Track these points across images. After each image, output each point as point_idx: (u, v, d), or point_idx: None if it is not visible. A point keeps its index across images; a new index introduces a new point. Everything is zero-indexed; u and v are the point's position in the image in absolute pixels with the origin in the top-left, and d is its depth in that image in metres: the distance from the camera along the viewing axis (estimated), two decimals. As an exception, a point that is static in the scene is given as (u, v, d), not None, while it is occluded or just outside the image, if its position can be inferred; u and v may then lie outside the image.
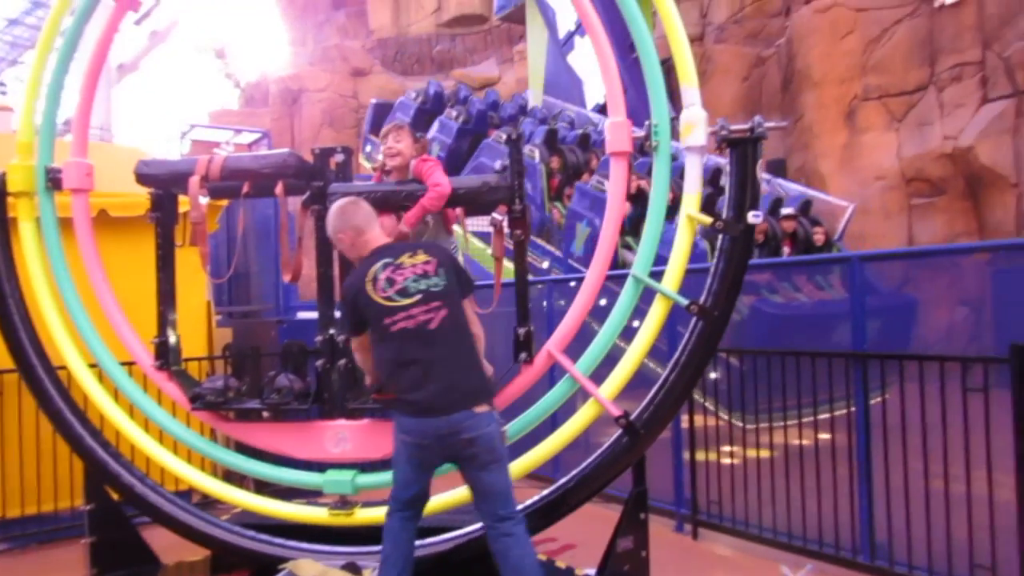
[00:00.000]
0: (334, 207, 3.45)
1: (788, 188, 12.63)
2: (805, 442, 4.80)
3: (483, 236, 8.47)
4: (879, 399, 4.43)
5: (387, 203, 3.74)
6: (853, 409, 4.47)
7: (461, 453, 3.11)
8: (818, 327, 6.79)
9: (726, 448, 5.22)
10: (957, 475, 3.94)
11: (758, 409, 4.96)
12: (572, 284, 6.61)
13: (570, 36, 20.15)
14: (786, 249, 9.81)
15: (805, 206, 11.17)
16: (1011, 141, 13.50)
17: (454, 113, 16.12)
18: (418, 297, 3.16)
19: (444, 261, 3.27)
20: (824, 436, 4.62)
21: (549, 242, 11.69)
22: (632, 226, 10.28)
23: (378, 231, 3.39)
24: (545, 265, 11.31)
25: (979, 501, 3.86)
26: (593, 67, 19.28)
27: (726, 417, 5.23)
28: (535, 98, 19.36)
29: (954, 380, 3.96)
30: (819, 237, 9.82)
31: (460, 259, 4.03)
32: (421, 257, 3.25)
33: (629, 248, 10.26)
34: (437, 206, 3.68)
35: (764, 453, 4.99)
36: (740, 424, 5.14)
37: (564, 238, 11.23)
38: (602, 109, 18.99)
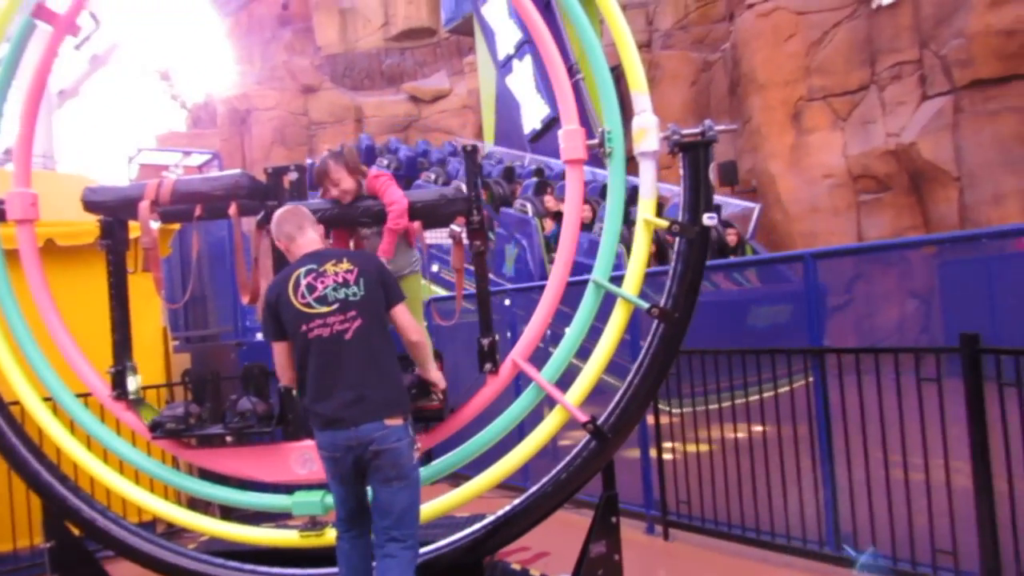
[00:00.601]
0: (274, 215, 3.47)
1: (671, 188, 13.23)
2: (767, 436, 4.87)
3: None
4: (801, 383, 4.56)
5: (344, 221, 3.73)
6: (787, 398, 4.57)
7: (369, 465, 3.11)
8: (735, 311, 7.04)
9: (691, 448, 5.28)
10: (916, 464, 4.05)
11: (721, 406, 5.04)
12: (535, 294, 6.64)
13: (508, 59, 20.30)
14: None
15: (716, 210, 11.59)
16: (951, 137, 13.92)
17: (385, 162, 17.35)
18: (336, 306, 3.17)
19: (366, 270, 3.25)
20: (785, 430, 4.70)
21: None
22: (557, 243, 10.59)
23: (309, 237, 3.36)
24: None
25: (938, 488, 3.96)
26: (529, 91, 19.51)
27: (683, 412, 5.29)
28: (488, 135, 19.67)
29: (908, 371, 4.07)
30: (732, 238, 10.28)
31: (419, 281, 4.00)
32: (344, 265, 3.24)
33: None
34: (401, 224, 3.65)
35: (728, 450, 5.06)
36: (703, 422, 5.21)
37: (495, 261, 11.42)
38: (537, 135, 19.32)
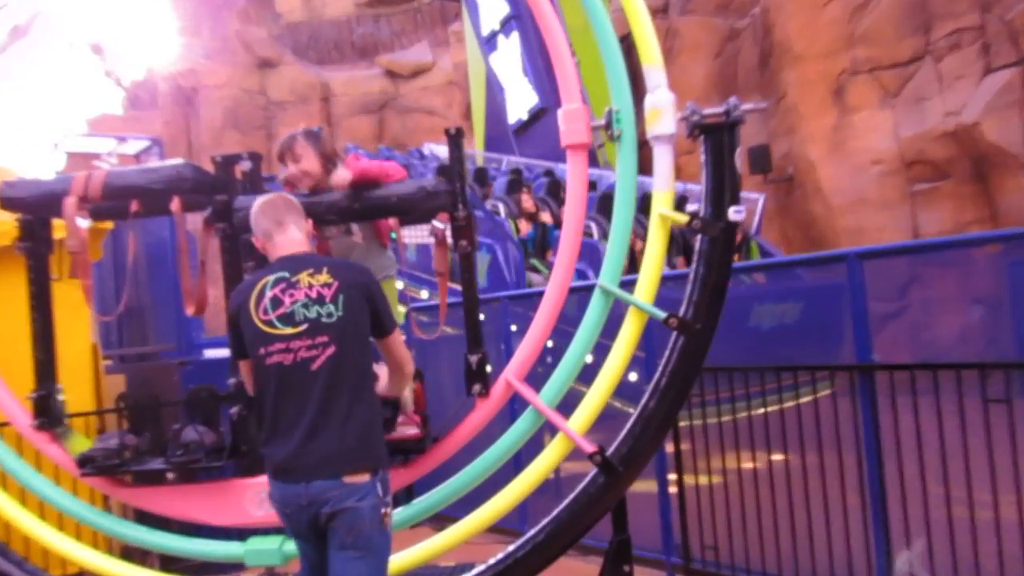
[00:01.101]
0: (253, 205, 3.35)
1: (694, 187, 13.25)
2: (807, 466, 4.87)
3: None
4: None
5: (308, 217, 3.73)
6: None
7: (325, 528, 2.97)
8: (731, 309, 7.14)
9: (718, 480, 5.28)
10: (983, 500, 4.05)
11: (752, 431, 5.04)
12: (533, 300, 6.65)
13: (494, 35, 20.43)
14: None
15: (680, 202, 11.77)
16: (1020, 115, 13.96)
17: None
18: (303, 327, 3.00)
19: (350, 287, 3.08)
20: (829, 458, 4.70)
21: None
22: (536, 248, 11.32)
23: (291, 236, 3.22)
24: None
25: (1009, 528, 3.96)
26: (515, 75, 19.58)
27: (707, 438, 5.30)
28: (477, 119, 19.80)
29: (973, 391, 4.07)
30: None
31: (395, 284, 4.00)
32: (322, 277, 3.07)
33: (535, 270, 10.96)
34: (371, 171, 3.67)
35: (761, 482, 5.06)
36: (730, 447, 5.21)
37: None
38: (523, 127, 19.44)
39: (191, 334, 8.47)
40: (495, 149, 20.92)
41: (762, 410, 5.00)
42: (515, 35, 19.44)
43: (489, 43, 20.72)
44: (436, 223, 3.78)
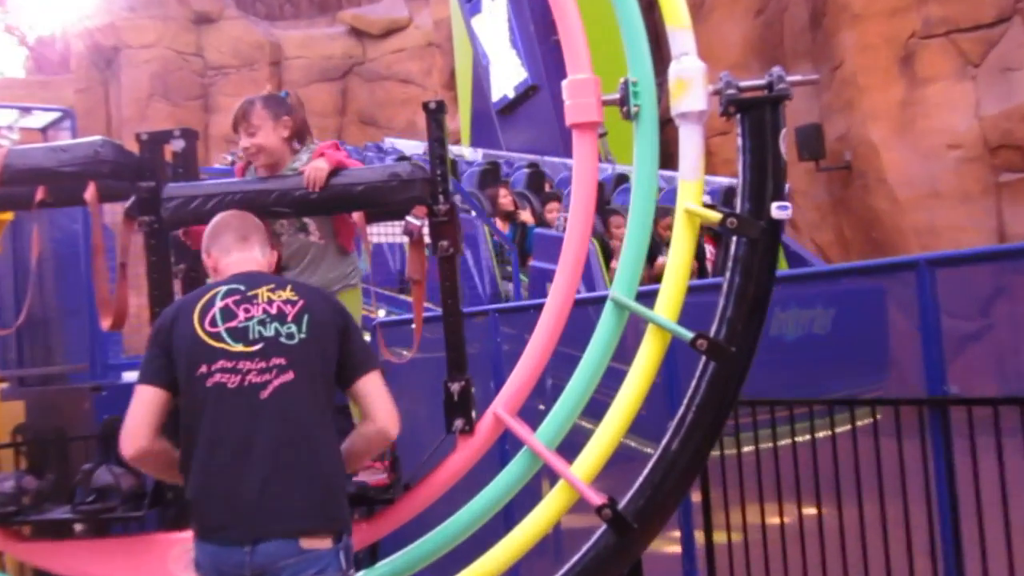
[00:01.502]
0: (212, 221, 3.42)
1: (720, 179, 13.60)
2: (865, 517, 4.86)
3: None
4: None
5: (253, 207, 3.72)
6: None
7: None
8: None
9: (755, 535, 5.27)
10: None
11: (798, 479, 5.04)
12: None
13: None
14: (709, 248, 10.32)
15: (728, 195, 11.75)
16: None
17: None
18: (258, 346, 2.98)
19: (315, 308, 3.10)
20: (892, 507, 4.69)
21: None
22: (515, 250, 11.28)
23: (253, 255, 3.28)
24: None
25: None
26: (501, 44, 19.66)
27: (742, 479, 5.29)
28: (463, 89, 19.94)
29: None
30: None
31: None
32: (285, 294, 3.09)
33: (508, 279, 11.03)
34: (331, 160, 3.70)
35: (809, 535, 5.05)
36: (769, 492, 5.21)
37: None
38: (508, 107, 19.53)
39: (107, 352, 8.46)
40: (479, 130, 21.05)
41: (796, 440, 5.01)
42: (504, -5, 19.52)
43: (471, 2, 20.80)
44: (411, 218, 3.79)
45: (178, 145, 3.95)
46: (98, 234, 3.96)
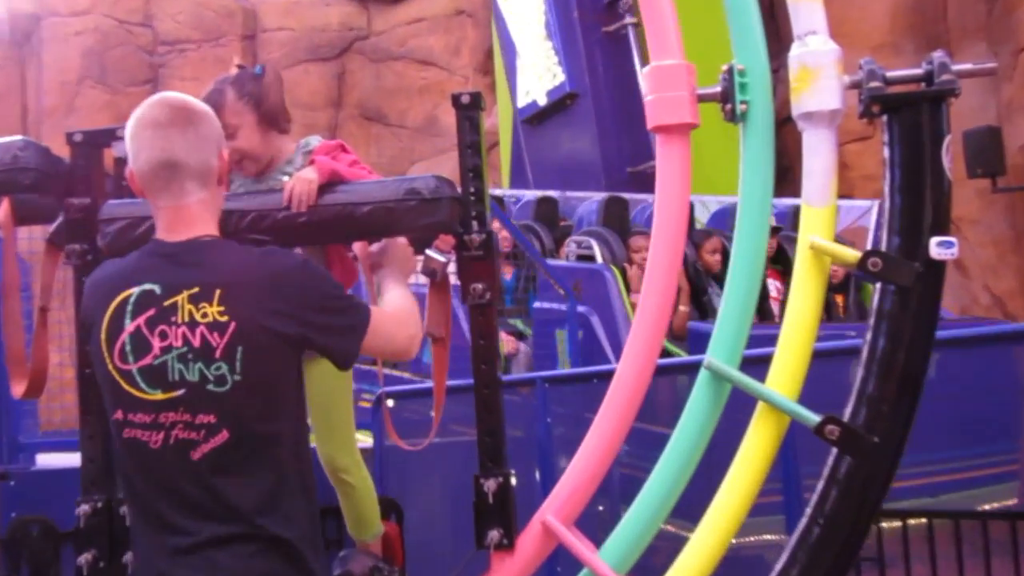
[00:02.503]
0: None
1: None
2: None
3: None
4: None
5: (222, 233, 3.72)
6: None
7: None
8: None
9: None
10: None
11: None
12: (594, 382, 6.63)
13: None
14: (775, 284, 10.79)
15: (797, 217, 11.86)
16: None
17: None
18: (180, 392, 2.96)
19: (254, 327, 2.97)
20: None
21: None
22: (515, 299, 11.90)
23: (183, 201, 3.12)
24: None
25: None
26: (534, 31, 19.73)
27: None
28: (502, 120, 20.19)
29: None
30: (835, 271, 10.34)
31: None
32: (211, 309, 2.97)
33: (519, 335, 11.46)
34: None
35: None
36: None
37: None
38: (535, 117, 19.60)
39: (18, 428, 8.54)
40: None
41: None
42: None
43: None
44: (433, 252, 3.79)
45: (122, 149, 3.96)
46: (11, 268, 3.99)
